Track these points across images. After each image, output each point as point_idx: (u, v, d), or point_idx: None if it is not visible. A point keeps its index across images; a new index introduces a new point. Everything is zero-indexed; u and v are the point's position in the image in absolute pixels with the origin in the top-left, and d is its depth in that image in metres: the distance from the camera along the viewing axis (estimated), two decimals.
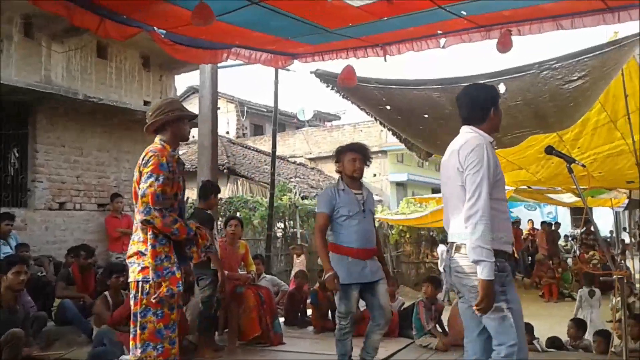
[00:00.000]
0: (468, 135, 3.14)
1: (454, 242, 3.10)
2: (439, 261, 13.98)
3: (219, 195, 6.64)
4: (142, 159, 3.36)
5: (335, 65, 5.75)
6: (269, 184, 12.37)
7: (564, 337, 6.91)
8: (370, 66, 5.52)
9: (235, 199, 15.84)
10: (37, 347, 5.27)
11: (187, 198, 13.18)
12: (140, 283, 3.23)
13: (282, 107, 24.58)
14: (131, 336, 3.28)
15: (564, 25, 4.31)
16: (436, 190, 22.67)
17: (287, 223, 15.46)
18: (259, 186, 17.53)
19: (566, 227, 22.53)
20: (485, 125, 3.16)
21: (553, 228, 17.06)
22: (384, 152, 22.90)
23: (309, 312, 7.82)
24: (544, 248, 15.58)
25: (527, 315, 3.43)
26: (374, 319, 4.53)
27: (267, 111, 24.69)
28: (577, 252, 16.60)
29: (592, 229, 15.43)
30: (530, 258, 16.63)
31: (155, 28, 4.69)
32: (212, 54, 5.36)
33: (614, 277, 4.51)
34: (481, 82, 4.82)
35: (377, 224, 18.08)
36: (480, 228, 2.87)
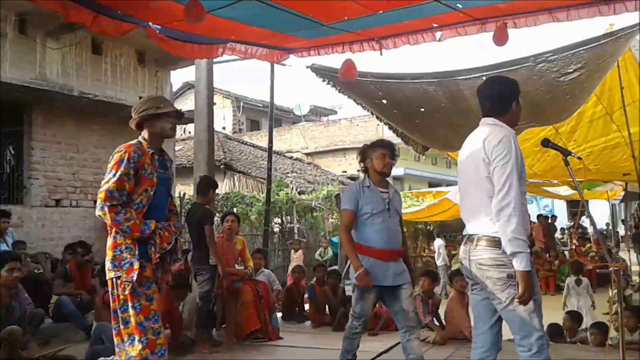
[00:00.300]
0: (492, 127, 3.12)
1: (474, 234, 3.07)
2: (435, 255, 14.03)
3: (216, 191, 6.63)
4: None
5: (331, 59, 5.75)
6: (265, 179, 12.37)
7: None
8: (370, 60, 5.51)
9: (232, 194, 15.83)
10: (35, 345, 5.26)
11: (184, 194, 13.17)
12: (113, 280, 3.27)
13: (279, 102, 24.54)
14: (114, 332, 3.31)
15: (559, 18, 4.30)
16: (433, 184, 22.73)
17: (284, 218, 15.48)
18: (255, 181, 17.52)
19: (563, 220, 22.64)
20: (506, 118, 3.16)
21: (549, 221, 17.11)
22: None
23: (307, 306, 7.84)
24: (540, 241, 15.61)
25: None
26: (399, 323, 4.30)
27: (264, 106, 24.64)
28: (572, 246, 16.63)
29: (580, 223, 15.49)
30: None
31: (151, 23, 4.67)
32: (208, 49, 5.35)
33: (610, 269, 4.51)
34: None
35: None
36: (514, 220, 2.86)
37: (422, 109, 5.92)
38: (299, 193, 16.96)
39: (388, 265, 4.17)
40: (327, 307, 7.61)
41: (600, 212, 20.98)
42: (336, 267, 12.86)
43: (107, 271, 3.31)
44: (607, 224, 23.22)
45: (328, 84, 6.16)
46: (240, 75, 58.88)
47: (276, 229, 14.98)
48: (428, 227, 16.21)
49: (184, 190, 13.55)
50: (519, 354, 3.02)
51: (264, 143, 18.64)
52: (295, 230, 15.16)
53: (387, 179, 4.46)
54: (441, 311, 6.65)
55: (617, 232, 19.48)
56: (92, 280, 6.76)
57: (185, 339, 5.92)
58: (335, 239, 14.93)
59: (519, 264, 2.86)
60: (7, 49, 7.90)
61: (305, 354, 5.85)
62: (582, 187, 4.47)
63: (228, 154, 18.70)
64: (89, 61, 9.13)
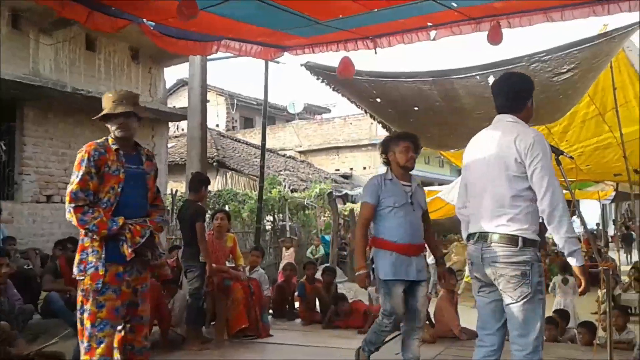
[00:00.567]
0: (515, 125, 3.10)
1: (488, 232, 3.05)
2: (426, 253, 14.02)
3: (208, 188, 6.63)
4: None
5: (325, 57, 5.75)
6: (258, 176, 12.36)
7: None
8: (365, 59, 5.51)
9: (225, 192, 15.82)
10: (23, 342, 5.23)
11: (177, 191, 13.14)
12: (78, 280, 3.28)
13: (273, 100, 24.54)
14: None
15: (553, 18, 4.30)
16: (425, 183, 22.71)
17: (276, 216, 15.47)
18: (248, 179, 17.50)
19: None
20: (521, 115, 3.16)
21: (540, 220, 17.13)
22: (374, 145, 22.89)
23: (297, 304, 7.85)
24: None
25: None
26: (408, 321, 4.20)
27: (257, 104, 24.63)
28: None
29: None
30: None
31: (145, 20, 4.65)
32: (202, 46, 5.33)
33: (600, 269, 4.54)
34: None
35: None
36: (565, 220, 2.91)
37: (416, 108, 5.93)
38: (292, 191, 16.96)
39: (411, 260, 4.09)
40: (317, 304, 7.62)
41: (591, 212, 21.09)
42: (328, 264, 12.88)
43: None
44: (598, 224, 23.36)
45: (322, 82, 6.16)
46: (235, 72, 58.81)
47: (268, 227, 14.98)
48: None
49: (176, 187, 13.53)
50: (513, 352, 3.02)
51: (257, 141, 18.63)
52: (287, 228, 15.16)
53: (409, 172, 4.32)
54: (430, 309, 6.67)
55: (607, 232, 19.62)
56: None
57: (174, 336, 5.91)
58: (327, 237, 14.94)
59: (577, 261, 2.92)
60: (0, 44, 7.85)
61: (295, 352, 5.85)
62: (573, 187, 4.49)
63: (221, 151, 18.67)
64: (82, 57, 9.09)
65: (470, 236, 3.20)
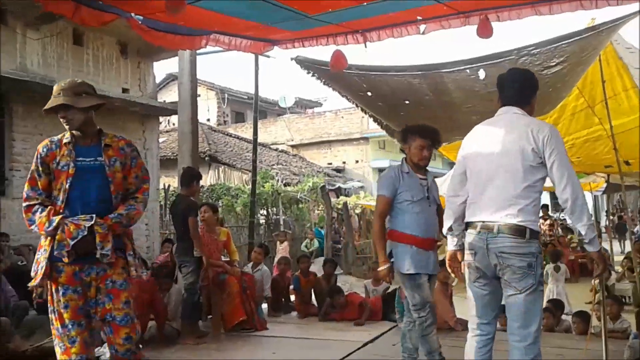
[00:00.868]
0: (526, 117, 3.18)
1: (494, 222, 3.05)
2: None
3: (200, 183, 6.62)
4: None
5: (315, 51, 5.74)
6: (250, 171, 12.34)
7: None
8: (355, 53, 5.50)
9: (218, 186, 15.80)
10: (19, 338, 5.22)
11: (169, 186, 13.11)
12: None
13: (263, 94, 24.49)
14: None
15: (542, 11, 4.32)
16: None
17: (269, 210, 15.47)
18: (241, 173, 17.48)
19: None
20: (528, 109, 3.24)
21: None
22: (365, 139, 22.94)
23: (293, 297, 7.88)
24: None
25: None
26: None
27: (248, 98, 24.55)
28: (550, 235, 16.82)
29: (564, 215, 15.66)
30: None
31: (133, 14, 4.62)
32: (191, 40, 5.30)
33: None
34: (459, 68, 4.87)
35: (359, 211, 18.06)
36: (586, 208, 3.01)
37: (407, 102, 5.93)
38: (285, 185, 16.96)
39: (429, 254, 4.10)
40: (312, 297, 7.66)
41: None
42: (323, 257, 12.90)
43: None
44: (590, 215, 23.47)
45: (313, 76, 6.14)
46: (225, 67, 58.59)
47: (262, 221, 14.98)
48: None
49: (169, 182, 13.50)
50: (513, 343, 3.04)
51: (248, 135, 18.58)
52: (281, 222, 15.17)
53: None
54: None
55: (599, 223, 19.71)
56: None
57: (170, 331, 5.93)
58: (322, 231, 14.96)
59: (595, 247, 3.03)
60: None
61: (291, 344, 5.88)
62: None
63: (213, 145, 18.62)
64: (70, 52, 9.02)
65: (469, 225, 3.19)
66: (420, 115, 6.28)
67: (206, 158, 17.03)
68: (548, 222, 16.31)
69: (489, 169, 3.14)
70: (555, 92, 5.31)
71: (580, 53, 4.74)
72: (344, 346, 5.61)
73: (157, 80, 13.34)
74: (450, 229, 3.34)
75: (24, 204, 3.15)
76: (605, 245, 14.37)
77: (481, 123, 3.36)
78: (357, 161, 23.39)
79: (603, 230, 18.86)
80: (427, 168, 4.32)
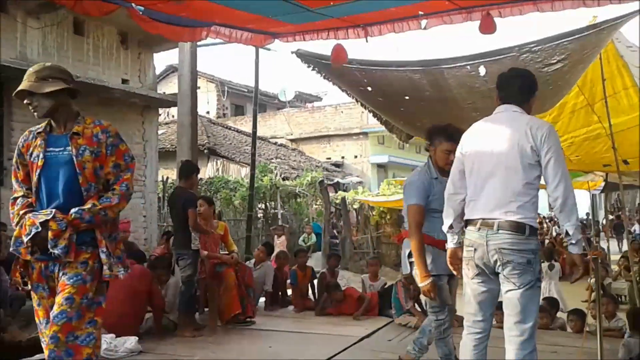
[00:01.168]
0: (524, 115, 3.22)
1: (494, 219, 3.07)
2: None
3: (199, 176, 6.63)
4: None
5: (316, 45, 5.72)
6: (249, 164, 12.33)
7: None
8: (356, 47, 5.49)
9: (216, 179, 15.79)
10: (16, 328, 5.21)
11: (167, 178, 13.10)
12: None
13: (263, 88, 24.44)
14: None
15: (544, 8, 4.31)
16: None
17: (268, 204, 15.47)
18: (239, 166, 17.47)
19: (543, 209, 22.87)
20: (526, 108, 3.27)
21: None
22: (365, 134, 22.93)
23: (290, 291, 7.89)
24: None
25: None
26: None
27: (248, 91, 24.51)
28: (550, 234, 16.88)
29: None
30: None
31: (134, 4, 4.60)
32: (191, 31, 5.29)
33: (588, 257, 4.58)
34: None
35: (357, 206, 18.02)
36: (576, 209, 3.02)
37: (407, 97, 5.92)
38: (283, 179, 16.95)
39: (445, 255, 3.97)
40: (309, 291, 7.68)
41: (580, 202, 21.20)
42: (321, 251, 12.93)
43: None
44: (587, 214, 23.57)
45: (313, 70, 6.13)
46: (225, 59, 58.46)
47: (260, 215, 14.98)
48: None
49: (167, 174, 13.49)
50: (510, 338, 3.07)
51: (248, 128, 18.57)
52: (279, 216, 15.17)
53: None
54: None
55: (598, 222, 19.78)
56: None
57: (168, 323, 5.93)
58: (320, 226, 14.96)
59: (579, 249, 3.02)
60: None
61: (288, 338, 5.89)
62: None
63: (212, 138, 18.60)
64: (70, 41, 8.98)
65: (469, 222, 3.22)
66: (420, 111, 6.28)
67: (205, 151, 17.01)
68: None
69: (488, 166, 3.17)
70: (555, 90, 5.31)
71: (581, 51, 4.74)
72: (340, 341, 5.62)
73: (157, 72, 13.30)
74: (450, 227, 3.37)
75: (11, 197, 3.07)
76: (603, 244, 14.45)
77: (480, 120, 3.38)
78: (356, 156, 23.38)
79: (600, 229, 18.94)
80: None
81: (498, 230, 3.05)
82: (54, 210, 2.88)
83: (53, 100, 2.98)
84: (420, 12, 4.71)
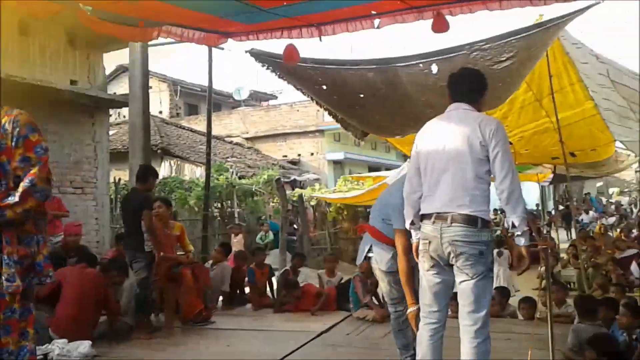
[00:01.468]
0: (474, 112, 3.33)
1: (447, 213, 3.17)
2: None
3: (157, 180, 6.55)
4: None
5: (270, 44, 5.70)
6: (204, 164, 12.19)
7: None
8: (310, 46, 5.49)
9: (170, 179, 15.54)
10: None
11: (119, 179, 12.82)
12: None
13: (218, 87, 24.17)
14: None
15: (492, 7, 4.39)
16: (372, 168, 23.01)
17: (224, 203, 15.33)
18: (194, 166, 17.26)
19: (495, 201, 23.42)
20: (477, 106, 3.39)
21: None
22: (321, 132, 22.95)
23: (247, 290, 7.88)
24: None
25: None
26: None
27: (202, 91, 24.19)
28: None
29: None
30: None
31: (81, 5, 4.48)
32: (142, 31, 5.17)
33: (539, 247, 4.75)
34: (414, 62, 4.94)
35: (314, 203, 18.04)
36: (522, 201, 3.13)
37: (361, 95, 5.97)
38: (239, 178, 16.82)
39: None
40: (267, 289, 7.68)
41: (530, 194, 21.84)
42: (278, 249, 12.89)
43: None
44: (537, 205, 24.28)
45: (267, 69, 6.10)
46: (178, 59, 57.56)
47: (216, 214, 14.83)
48: (368, 210, 16.44)
49: (119, 175, 13.20)
50: (463, 327, 3.17)
51: (202, 128, 18.34)
52: (236, 215, 15.06)
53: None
54: (379, 291, 6.82)
55: (549, 212, 20.34)
56: None
57: (122, 325, 5.82)
58: (277, 225, 14.92)
59: (525, 241, 3.13)
60: None
61: (248, 336, 5.89)
62: None
63: (165, 138, 18.30)
64: (15, 42, 8.68)
65: (425, 217, 3.31)
66: (375, 109, 6.34)
67: (158, 151, 16.71)
68: None
69: (441, 163, 3.27)
70: (505, 87, 5.45)
71: (529, 48, 4.87)
72: (299, 336, 5.64)
73: (107, 72, 12.99)
74: (412, 223, 3.45)
75: None
76: (553, 234, 14.91)
77: (432, 120, 3.48)
78: (312, 154, 23.39)
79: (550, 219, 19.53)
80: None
81: (451, 223, 3.15)
82: None
83: None
84: (373, 12, 4.74)
